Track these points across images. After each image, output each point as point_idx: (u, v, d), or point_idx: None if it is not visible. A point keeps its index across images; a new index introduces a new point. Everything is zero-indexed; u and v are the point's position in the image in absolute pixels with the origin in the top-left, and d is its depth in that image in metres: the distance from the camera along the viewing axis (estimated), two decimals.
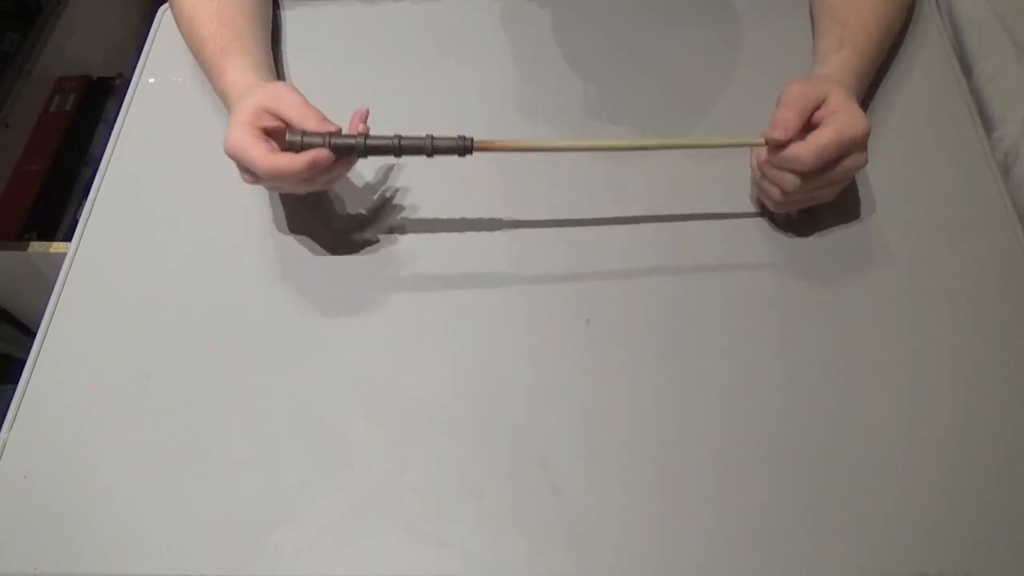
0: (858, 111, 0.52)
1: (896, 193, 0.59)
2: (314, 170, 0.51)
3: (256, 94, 0.53)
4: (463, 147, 0.52)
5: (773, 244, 0.57)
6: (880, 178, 0.60)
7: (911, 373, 0.52)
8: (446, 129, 0.53)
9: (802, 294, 0.55)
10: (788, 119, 0.52)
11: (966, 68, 0.68)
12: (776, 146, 0.52)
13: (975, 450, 0.49)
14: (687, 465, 0.49)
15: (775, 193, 0.54)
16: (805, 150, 0.51)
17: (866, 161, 0.53)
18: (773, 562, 0.46)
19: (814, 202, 0.55)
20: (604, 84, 0.66)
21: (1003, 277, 0.55)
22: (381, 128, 0.52)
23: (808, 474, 0.49)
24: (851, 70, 0.57)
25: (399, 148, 0.52)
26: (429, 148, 0.52)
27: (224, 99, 0.58)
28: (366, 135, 0.52)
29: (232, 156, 0.52)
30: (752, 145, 0.55)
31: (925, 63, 0.66)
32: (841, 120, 0.51)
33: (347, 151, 0.52)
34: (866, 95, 0.61)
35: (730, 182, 0.60)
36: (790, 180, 0.52)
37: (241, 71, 0.57)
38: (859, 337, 0.53)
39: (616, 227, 0.58)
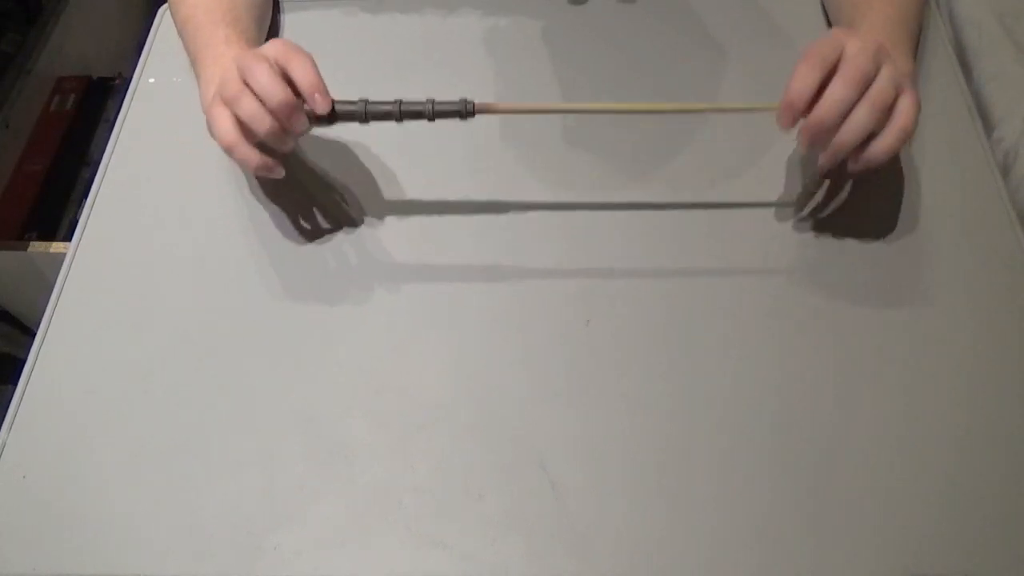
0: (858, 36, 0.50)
1: (895, 193, 0.59)
2: (314, 89, 0.51)
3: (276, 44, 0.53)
4: (465, 111, 0.52)
5: (773, 245, 0.57)
6: (880, 178, 0.60)
7: (911, 373, 0.52)
8: (444, 147, 0.58)
9: (801, 294, 0.55)
10: (804, 73, 0.49)
11: (966, 68, 0.68)
12: (791, 108, 0.49)
13: (975, 450, 0.49)
14: (687, 466, 0.49)
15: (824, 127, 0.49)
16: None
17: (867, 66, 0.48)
18: (773, 562, 0.46)
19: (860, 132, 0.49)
20: (602, 98, 0.65)
21: (1003, 277, 0.55)
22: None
23: (808, 474, 0.49)
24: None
25: (400, 113, 0.52)
26: (430, 113, 0.52)
27: (209, 52, 0.58)
28: (367, 101, 0.52)
29: (279, 51, 0.51)
30: (769, 109, 0.51)
31: (925, 63, 0.66)
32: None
33: (348, 117, 0.52)
34: None
35: (732, 183, 0.60)
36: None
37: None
38: (858, 337, 0.53)
39: (617, 227, 0.58)
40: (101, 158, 0.63)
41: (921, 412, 0.50)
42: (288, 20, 0.70)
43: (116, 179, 0.62)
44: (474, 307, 0.55)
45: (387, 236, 0.58)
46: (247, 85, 0.51)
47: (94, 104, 1.15)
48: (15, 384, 0.53)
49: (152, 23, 0.71)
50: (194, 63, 0.61)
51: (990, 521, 0.47)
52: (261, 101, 0.50)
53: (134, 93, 0.67)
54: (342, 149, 0.62)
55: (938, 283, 0.55)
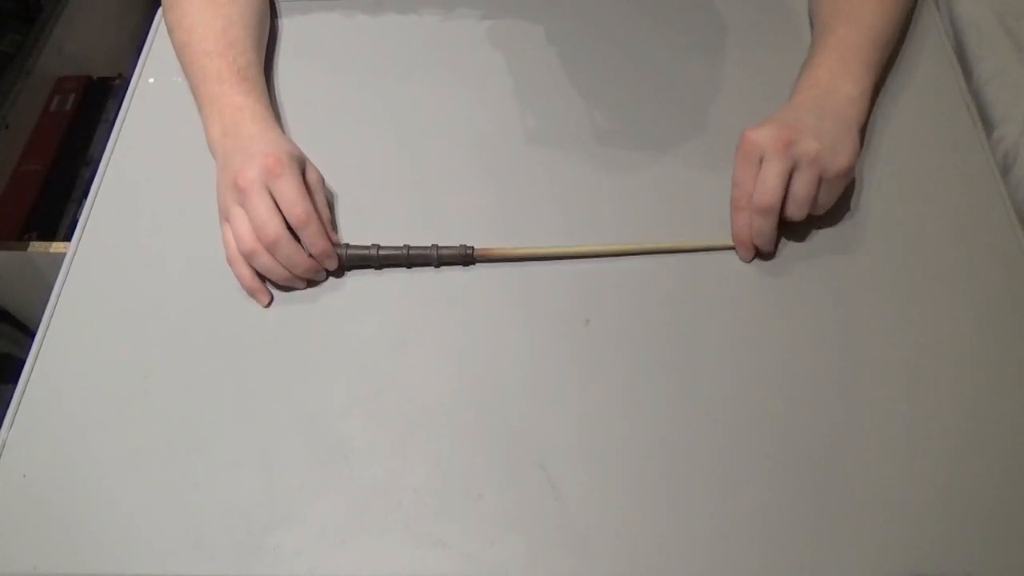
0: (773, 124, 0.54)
1: (896, 193, 0.59)
2: (324, 256, 0.55)
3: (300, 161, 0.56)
4: (465, 256, 0.56)
5: None
6: (880, 178, 0.60)
7: (911, 373, 0.52)
8: (443, 145, 0.60)
9: (802, 294, 0.55)
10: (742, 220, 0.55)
11: (966, 68, 0.68)
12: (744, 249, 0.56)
13: (975, 450, 0.49)
14: (687, 466, 0.49)
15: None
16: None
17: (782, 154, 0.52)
18: (773, 562, 0.46)
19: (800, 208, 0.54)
20: (602, 102, 0.65)
21: (1003, 277, 0.55)
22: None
23: (808, 474, 0.49)
24: (813, 88, 0.57)
25: (408, 258, 0.56)
26: (435, 258, 0.56)
27: (228, 109, 0.58)
28: (379, 246, 0.56)
29: (296, 217, 0.52)
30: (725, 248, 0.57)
31: (925, 63, 0.66)
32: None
33: (361, 262, 0.57)
34: None
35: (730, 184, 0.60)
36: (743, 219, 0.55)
37: (259, 98, 0.59)
38: (859, 337, 0.53)
39: (616, 227, 0.58)
40: (101, 158, 0.63)
41: (921, 412, 0.50)
42: (286, 23, 0.70)
43: (116, 179, 0.62)
44: (473, 307, 0.55)
45: (387, 236, 0.58)
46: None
47: (94, 104, 1.14)
48: (15, 384, 0.53)
49: (152, 23, 0.71)
50: (193, 94, 0.61)
51: (990, 521, 0.47)
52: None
53: (134, 93, 0.67)
54: (340, 151, 0.62)
55: (938, 283, 0.55)
